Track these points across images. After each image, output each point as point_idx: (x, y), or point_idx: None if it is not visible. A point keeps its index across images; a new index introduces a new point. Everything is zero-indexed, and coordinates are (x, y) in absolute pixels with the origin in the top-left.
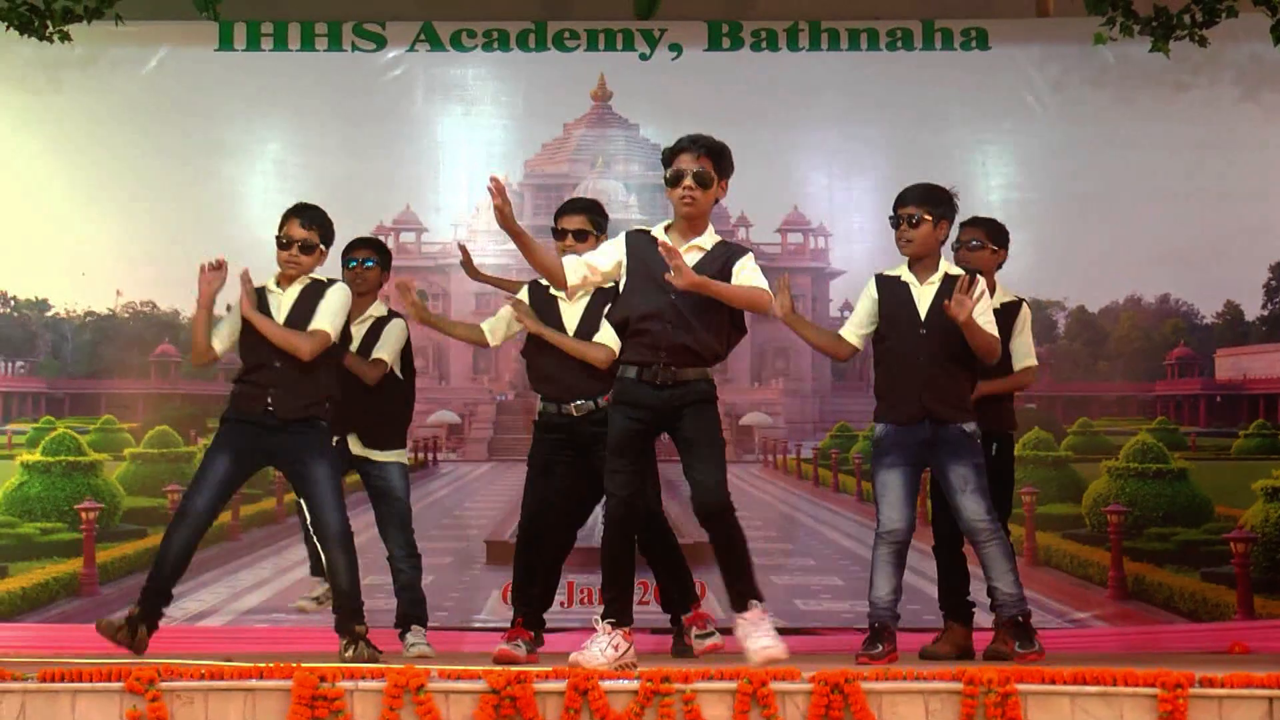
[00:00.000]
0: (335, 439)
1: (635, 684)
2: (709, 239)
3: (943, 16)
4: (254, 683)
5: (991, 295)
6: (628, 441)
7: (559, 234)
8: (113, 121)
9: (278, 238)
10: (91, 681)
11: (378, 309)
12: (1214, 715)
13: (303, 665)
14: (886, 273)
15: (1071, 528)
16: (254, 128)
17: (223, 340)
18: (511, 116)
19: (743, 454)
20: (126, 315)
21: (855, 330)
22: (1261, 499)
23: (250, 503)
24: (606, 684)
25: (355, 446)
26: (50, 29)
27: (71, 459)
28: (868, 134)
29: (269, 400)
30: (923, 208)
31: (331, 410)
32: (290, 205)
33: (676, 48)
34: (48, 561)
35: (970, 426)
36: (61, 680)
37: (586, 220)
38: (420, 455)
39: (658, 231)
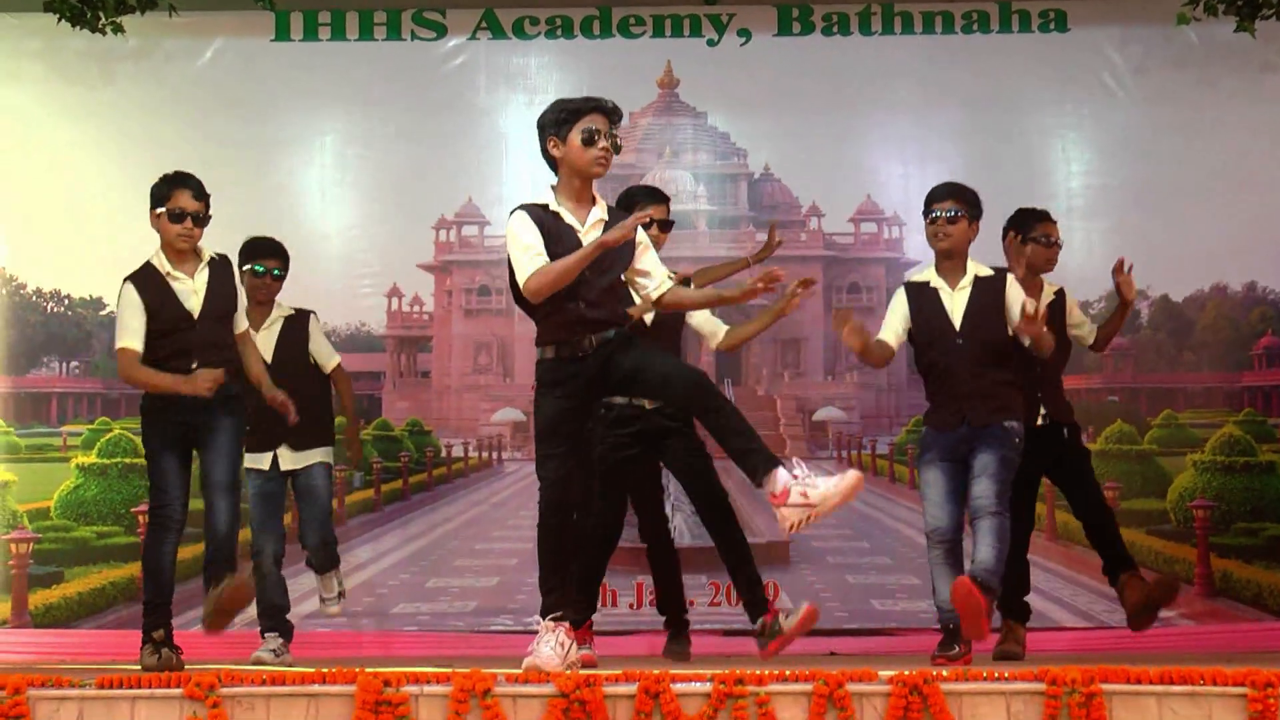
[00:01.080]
0: (269, 453)
1: (708, 686)
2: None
3: None
4: (316, 688)
5: (964, 273)
6: (560, 422)
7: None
8: (167, 115)
9: (166, 209)
10: (150, 688)
11: (281, 309)
12: None
13: (366, 670)
14: (914, 279)
15: (1156, 523)
16: (311, 120)
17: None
18: None
19: (816, 450)
20: None
21: (890, 336)
22: None
23: None
24: (678, 687)
25: (286, 460)
26: (103, 20)
27: (128, 461)
28: (943, 120)
29: (194, 365)
30: (961, 204)
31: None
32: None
33: (745, 33)
34: (104, 566)
35: (1011, 423)
36: (120, 687)
37: (666, 211)
38: (484, 454)
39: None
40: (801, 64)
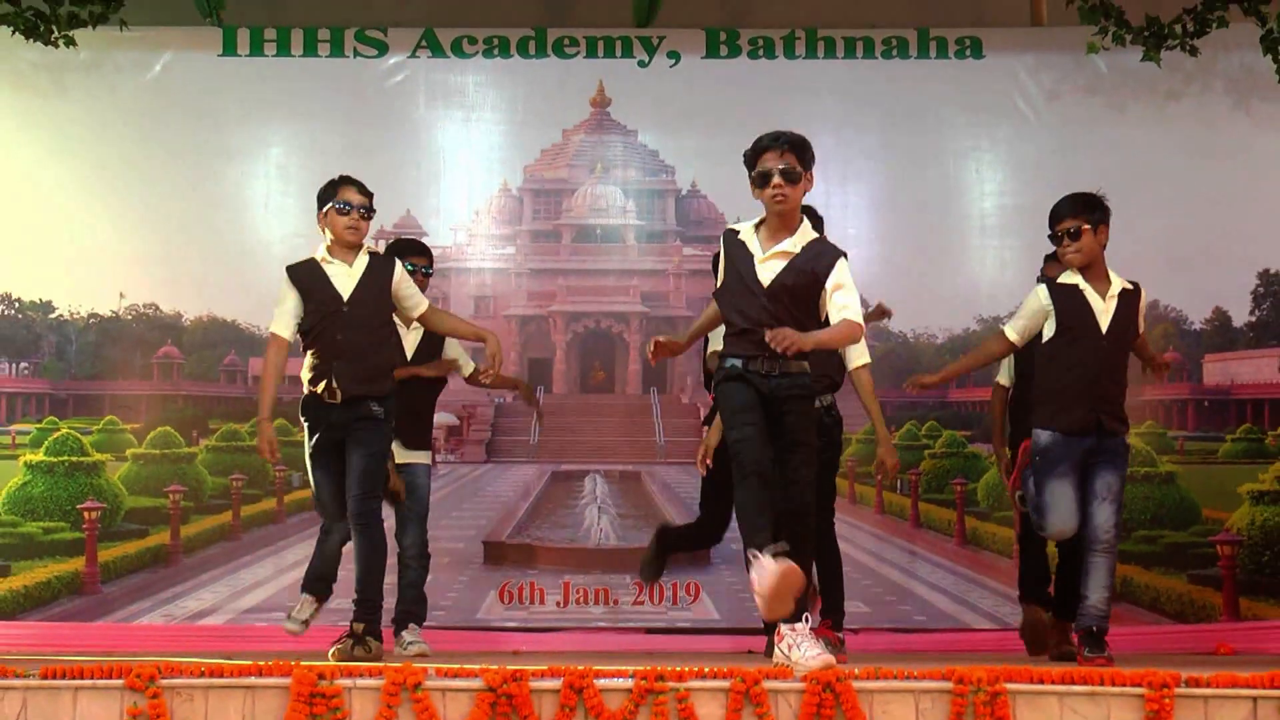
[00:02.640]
0: None
1: (630, 682)
2: (800, 239)
3: (938, 25)
4: (253, 680)
5: (1107, 280)
6: (753, 404)
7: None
8: (117, 125)
9: (334, 205)
10: (93, 678)
11: None
12: (1200, 715)
13: (301, 663)
14: (1060, 280)
15: None
16: (257, 132)
17: (289, 328)
18: (511, 122)
19: None
20: (129, 317)
21: (1020, 332)
22: (1248, 502)
23: (251, 503)
24: (602, 683)
25: (395, 455)
26: (55, 34)
27: (74, 459)
28: (864, 141)
29: (332, 380)
30: (1078, 219)
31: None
32: (342, 177)
33: (675, 55)
34: (50, 560)
35: (1128, 439)
36: (63, 677)
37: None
38: None
39: (746, 235)
40: (728, 85)
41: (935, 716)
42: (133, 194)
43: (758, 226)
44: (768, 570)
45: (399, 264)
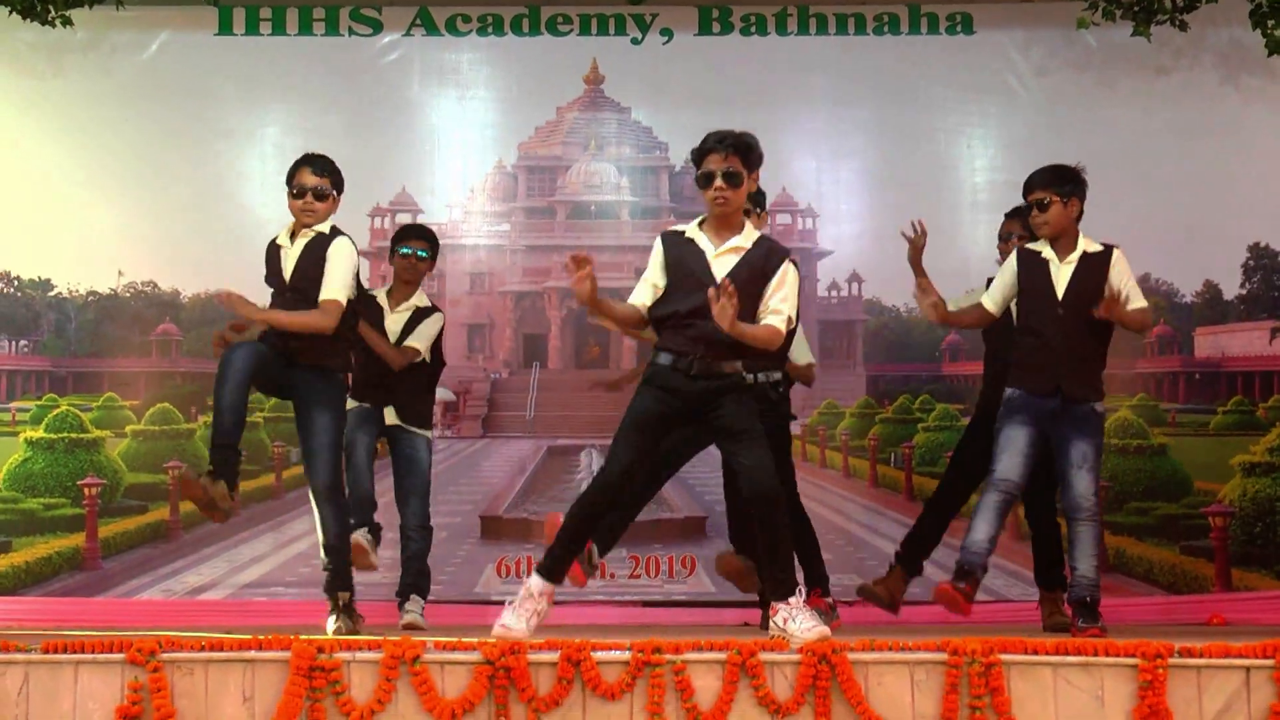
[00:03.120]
0: (371, 407)
1: (627, 655)
2: (747, 237)
3: (928, 1)
4: (253, 654)
5: (1074, 248)
6: (650, 420)
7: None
8: (114, 105)
9: (290, 189)
10: (94, 653)
11: (419, 299)
12: (1193, 685)
13: (301, 637)
14: (1030, 246)
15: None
16: (253, 111)
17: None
18: (505, 100)
19: None
20: (128, 295)
21: (996, 300)
22: (1239, 474)
23: (250, 478)
24: (599, 655)
25: (390, 417)
26: (52, 14)
27: (74, 436)
28: (855, 117)
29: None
30: (1049, 190)
31: (358, 374)
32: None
33: (667, 32)
34: (51, 536)
35: (1100, 406)
36: (64, 652)
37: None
38: None
39: (693, 234)
40: (721, 62)
41: (930, 688)
42: (130, 173)
43: (701, 225)
44: (525, 589)
45: (337, 243)
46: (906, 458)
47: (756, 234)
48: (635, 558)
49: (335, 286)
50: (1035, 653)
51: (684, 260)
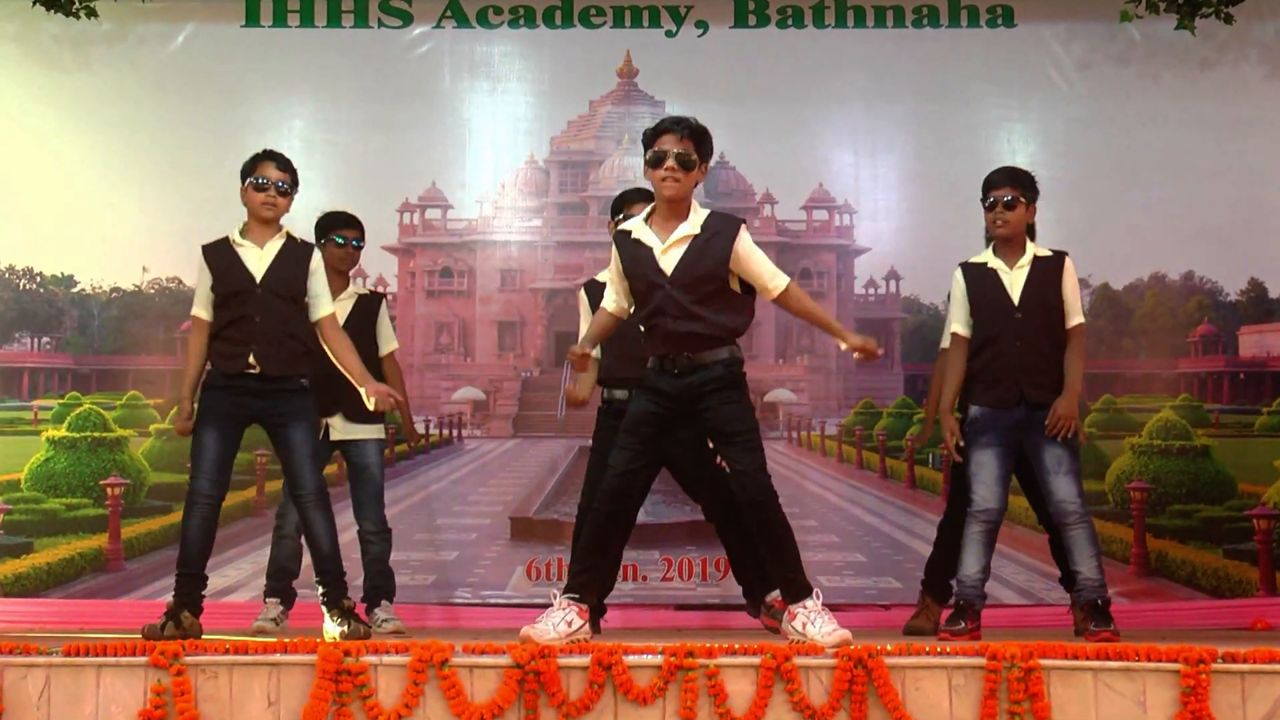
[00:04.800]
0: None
1: (659, 659)
2: (695, 222)
3: None
4: (278, 657)
5: (1023, 253)
6: (644, 421)
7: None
8: (139, 98)
9: (252, 181)
10: (116, 656)
11: (358, 286)
12: (1236, 691)
13: (327, 640)
14: (971, 260)
15: (1095, 504)
16: (280, 105)
17: (207, 307)
18: (537, 94)
19: (767, 431)
20: (152, 291)
21: (962, 323)
22: None
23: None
24: (631, 659)
25: (337, 430)
26: (76, 5)
27: (97, 435)
28: (893, 111)
29: (250, 359)
30: (1016, 189)
31: (312, 387)
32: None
33: (703, 25)
34: (73, 537)
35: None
36: (87, 654)
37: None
38: (445, 432)
39: (639, 230)
40: (757, 55)
41: (968, 693)
42: (155, 168)
43: (649, 219)
44: (548, 617)
45: (318, 255)
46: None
47: (705, 214)
48: (668, 560)
49: (326, 301)
50: (1076, 657)
51: (636, 260)
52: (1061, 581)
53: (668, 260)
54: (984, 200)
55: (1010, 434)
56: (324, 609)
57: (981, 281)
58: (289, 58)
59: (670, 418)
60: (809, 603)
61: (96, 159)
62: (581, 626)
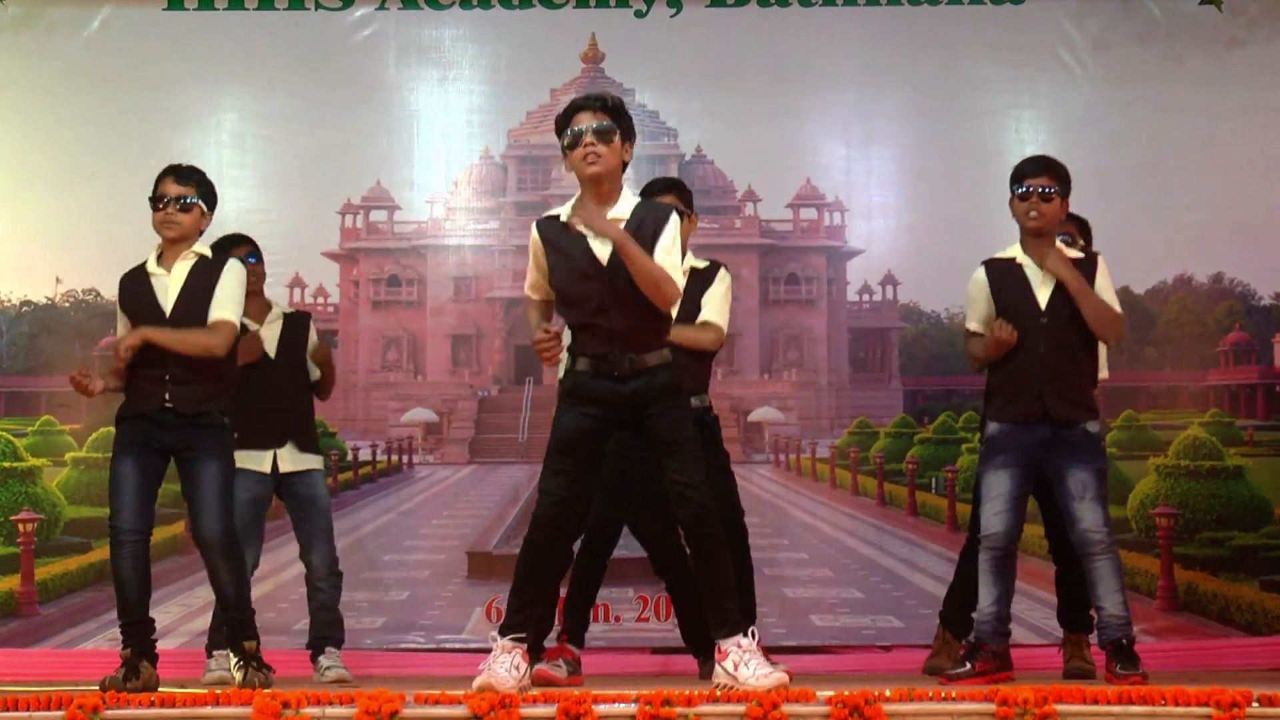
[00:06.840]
0: (268, 453)
1: (633, 708)
2: (625, 206)
3: None
4: (209, 710)
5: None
6: (579, 439)
7: None
8: (52, 90)
9: (150, 200)
10: (29, 710)
11: (281, 306)
12: None
13: (263, 691)
14: (1000, 256)
15: (1116, 532)
16: (208, 96)
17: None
18: (493, 82)
19: (751, 453)
20: (67, 305)
21: (980, 321)
22: None
23: None
24: (601, 709)
25: (286, 462)
26: None
27: (7, 465)
28: (888, 99)
29: (166, 396)
30: (1055, 181)
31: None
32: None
33: (675, 4)
34: None
35: (1094, 426)
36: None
37: (676, 199)
38: (394, 458)
39: (564, 213)
40: (736, 37)
41: None
42: (70, 167)
43: (575, 208)
44: (495, 663)
45: (231, 264)
46: (949, 483)
47: (635, 199)
48: (644, 598)
49: (228, 306)
50: (1095, 702)
51: (564, 249)
52: (1059, 616)
53: (603, 248)
54: (1016, 188)
55: (1030, 454)
56: (229, 649)
57: (1007, 279)
58: (217, 44)
59: (607, 433)
60: (743, 640)
61: (3, 157)
62: (527, 672)
